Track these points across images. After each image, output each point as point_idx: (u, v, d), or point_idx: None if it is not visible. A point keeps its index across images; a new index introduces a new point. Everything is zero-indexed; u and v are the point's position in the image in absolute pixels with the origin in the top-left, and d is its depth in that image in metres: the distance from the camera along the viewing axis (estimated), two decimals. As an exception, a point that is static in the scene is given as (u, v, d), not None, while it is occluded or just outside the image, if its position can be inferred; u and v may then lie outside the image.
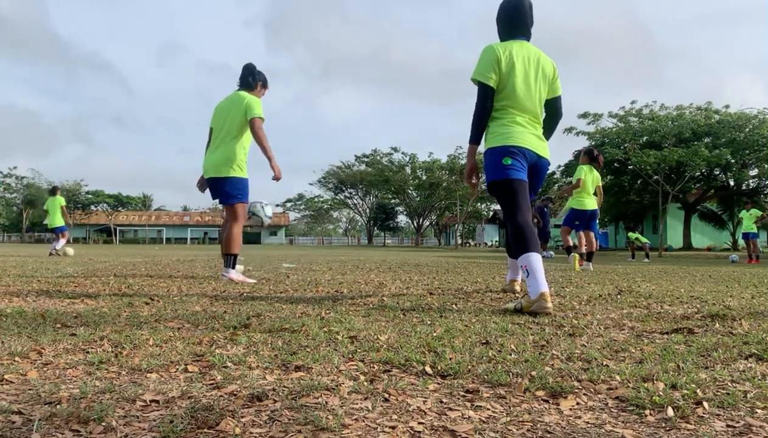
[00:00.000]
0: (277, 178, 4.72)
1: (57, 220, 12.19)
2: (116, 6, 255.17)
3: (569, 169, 35.60)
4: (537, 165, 3.38)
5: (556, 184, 40.40)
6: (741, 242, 35.14)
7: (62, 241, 11.98)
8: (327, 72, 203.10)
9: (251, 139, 4.74)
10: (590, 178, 7.96)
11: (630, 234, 15.69)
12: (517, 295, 3.54)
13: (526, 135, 3.32)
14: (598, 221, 8.59)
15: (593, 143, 32.97)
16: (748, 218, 14.01)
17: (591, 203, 8.04)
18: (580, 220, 8.08)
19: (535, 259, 2.94)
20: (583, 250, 8.01)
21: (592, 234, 8.11)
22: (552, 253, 17.27)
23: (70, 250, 11.89)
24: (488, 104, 3.21)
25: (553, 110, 3.46)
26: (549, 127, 3.48)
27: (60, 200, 12.35)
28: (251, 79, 4.79)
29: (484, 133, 3.32)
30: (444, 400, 1.27)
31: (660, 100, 34.93)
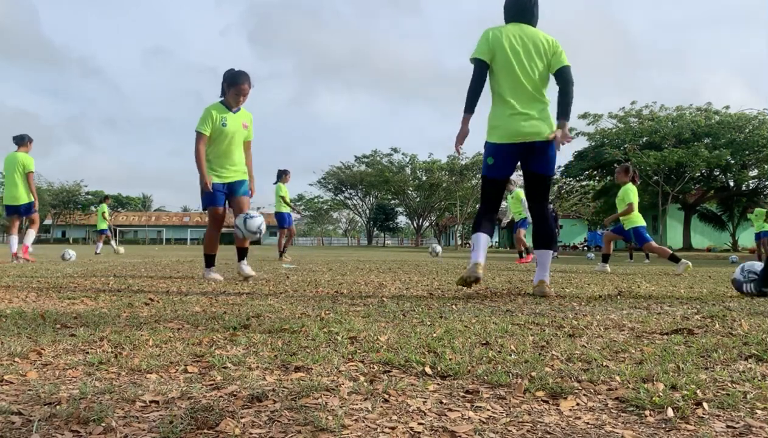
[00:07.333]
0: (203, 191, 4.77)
1: (99, 224, 15.46)
2: (106, 12, 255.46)
3: (569, 169, 35.55)
4: (533, 149, 3.56)
5: (556, 185, 40.29)
6: (741, 243, 35.20)
7: (100, 244, 14.99)
8: (323, 74, 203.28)
9: (216, 144, 4.80)
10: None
11: None
12: (547, 296, 3.49)
13: (516, 124, 3.52)
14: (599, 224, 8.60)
15: (593, 144, 32.97)
16: (756, 218, 14.02)
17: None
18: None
19: (477, 237, 3.58)
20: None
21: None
22: (592, 254, 17.38)
23: (120, 249, 13.97)
24: (480, 78, 3.53)
25: (562, 81, 3.57)
26: (562, 100, 3.55)
27: (101, 207, 15.66)
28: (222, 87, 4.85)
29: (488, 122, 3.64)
30: (444, 401, 1.27)
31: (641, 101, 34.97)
